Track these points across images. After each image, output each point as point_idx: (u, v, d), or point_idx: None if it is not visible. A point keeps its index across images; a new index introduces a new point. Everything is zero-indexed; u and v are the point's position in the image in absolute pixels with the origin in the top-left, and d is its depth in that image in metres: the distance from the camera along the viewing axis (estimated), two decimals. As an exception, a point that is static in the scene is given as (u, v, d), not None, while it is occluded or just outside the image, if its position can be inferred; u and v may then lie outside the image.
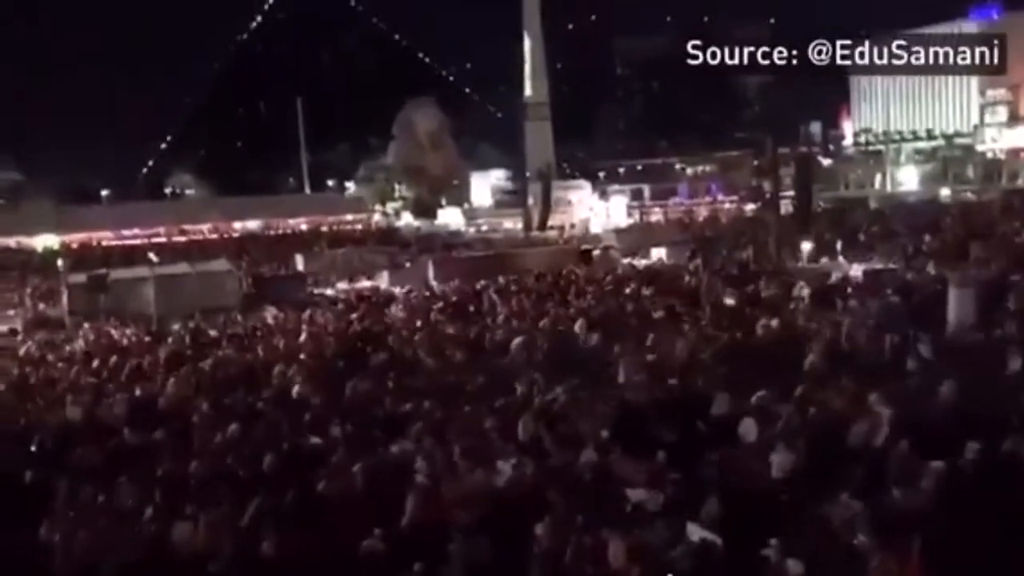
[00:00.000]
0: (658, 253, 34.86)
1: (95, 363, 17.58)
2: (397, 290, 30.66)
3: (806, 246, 28.79)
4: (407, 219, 73.92)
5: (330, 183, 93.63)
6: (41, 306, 34.72)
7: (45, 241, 57.72)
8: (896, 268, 21.45)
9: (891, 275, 19.79)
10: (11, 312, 34.43)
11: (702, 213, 61.72)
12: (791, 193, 35.17)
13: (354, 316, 22.07)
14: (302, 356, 15.53)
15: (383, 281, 34.36)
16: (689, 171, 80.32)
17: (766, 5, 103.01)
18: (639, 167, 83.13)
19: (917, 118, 71.97)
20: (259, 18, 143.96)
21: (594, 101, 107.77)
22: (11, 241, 57.21)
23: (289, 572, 6.85)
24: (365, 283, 34.97)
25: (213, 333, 21.42)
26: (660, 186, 73.73)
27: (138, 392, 13.51)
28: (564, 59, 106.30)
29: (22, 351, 22.63)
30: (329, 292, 32.77)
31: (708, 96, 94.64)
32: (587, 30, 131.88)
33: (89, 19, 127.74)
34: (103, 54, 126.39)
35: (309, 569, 6.83)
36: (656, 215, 64.16)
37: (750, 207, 53.39)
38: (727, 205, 63.39)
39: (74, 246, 55.97)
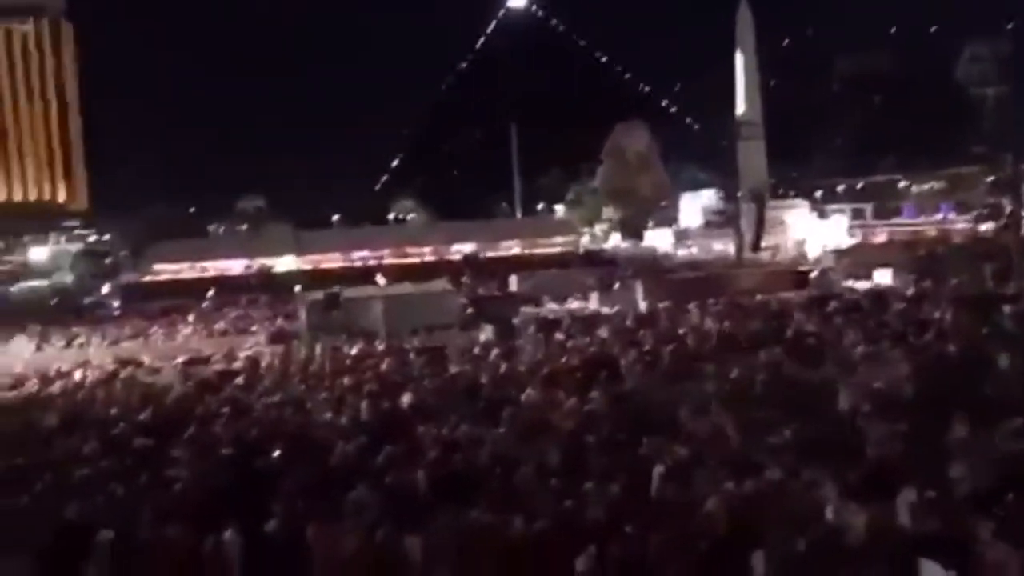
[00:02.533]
0: (881, 275, 33.20)
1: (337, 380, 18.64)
2: (606, 310, 31.16)
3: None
4: (615, 240, 74.43)
5: (540, 206, 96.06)
6: (279, 321, 38.08)
7: (285, 262, 62.95)
8: None
9: None
10: (254, 327, 37.88)
11: (931, 233, 57.84)
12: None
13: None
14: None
15: (593, 301, 34.93)
16: (915, 189, 75.62)
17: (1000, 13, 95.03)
18: (859, 186, 79.18)
19: None
20: (476, 48, 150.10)
21: (810, 119, 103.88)
22: (255, 263, 62.87)
23: None
24: (575, 303, 35.67)
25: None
26: (883, 205, 70.00)
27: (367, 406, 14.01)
28: (778, 76, 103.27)
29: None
30: (541, 312, 33.67)
31: (935, 110, 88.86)
32: (803, 45, 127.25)
33: (319, 66, 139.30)
34: (333, 91, 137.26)
35: None
36: (880, 235, 60.79)
37: (985, 227, 49.54)
38: (959, 225, 59.09)
39: (309, 267, 60.70)
